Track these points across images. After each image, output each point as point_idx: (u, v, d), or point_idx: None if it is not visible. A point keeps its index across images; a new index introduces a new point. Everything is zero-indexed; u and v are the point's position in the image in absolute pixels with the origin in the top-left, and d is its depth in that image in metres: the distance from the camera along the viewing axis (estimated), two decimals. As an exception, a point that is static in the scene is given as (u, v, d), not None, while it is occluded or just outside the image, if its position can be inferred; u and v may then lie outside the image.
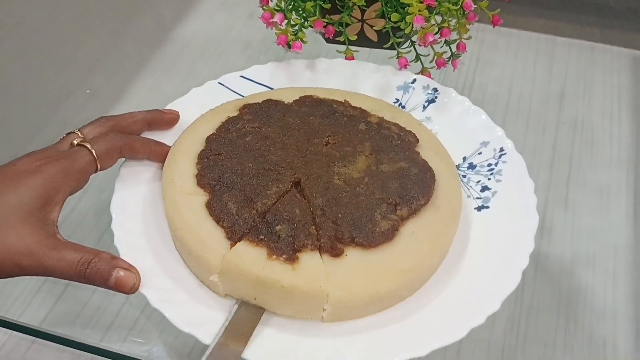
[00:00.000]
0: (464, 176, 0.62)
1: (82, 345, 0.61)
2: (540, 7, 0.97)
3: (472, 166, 0.62)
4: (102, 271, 0.48)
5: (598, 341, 0.64)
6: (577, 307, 0.66)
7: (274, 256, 0.51)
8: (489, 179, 0.61)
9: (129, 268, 0.49)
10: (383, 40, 0.71)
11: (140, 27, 0.99)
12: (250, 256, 0.52)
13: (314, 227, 0.53)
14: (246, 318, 0.51)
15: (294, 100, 0.64)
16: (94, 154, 0.54)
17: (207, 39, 0.97)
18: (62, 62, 0.91)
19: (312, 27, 0.68)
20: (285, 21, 0.68)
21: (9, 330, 0.61)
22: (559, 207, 0.74)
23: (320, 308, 0.51)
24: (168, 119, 0.62)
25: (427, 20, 0.64)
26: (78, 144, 0.54)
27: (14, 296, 0.64)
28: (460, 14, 0.68)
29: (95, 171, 0.55)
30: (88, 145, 0.54)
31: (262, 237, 0.52)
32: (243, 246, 0.52)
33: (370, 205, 0.55)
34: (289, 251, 0.52)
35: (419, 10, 0.64)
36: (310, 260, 0.52)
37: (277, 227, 0.52)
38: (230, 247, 0.53)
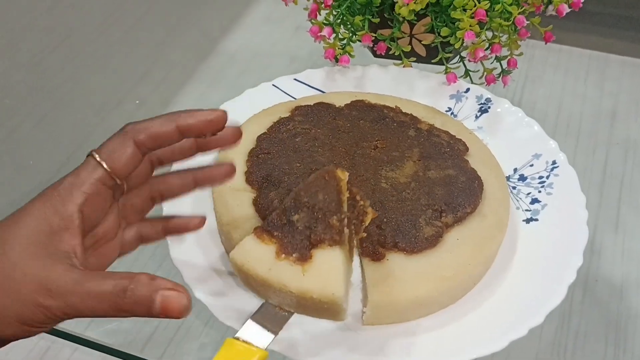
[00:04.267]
0: (514, 188, 0.61)
1: (125, 355, 0.61)
2: (591, 23, 0.95)
3: (522, 178, 0.61)
4: (142, 298, 0.38)
5: (649, 369, 0.61)
6: (626, 333, 0.64)
7: (283, 255, 0.47)
8: (540, 192, 0.60)
9: (174, 287, 0.39)
10: (431, 55, 0.71)
11: (187, 39, 1.01)
12: (257, 254, 0.47)
13: (335, 217, 0.48)
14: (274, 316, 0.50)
15: (345, 104, 0.65)
16: (97, 158, 0.42)
17: (253, 52, 0.98)
18: (112, 72, 0.94)
19: (360, 41, 0.69)
20: (334, 35, 0.68)
21: (53, 337, 0.62)
22: (609, 229, 0.72)
23: (340, 313, 0.47)
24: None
25: (478, 35, 0.64)
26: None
27: None
28: (511, 29, 0.67)
29: (112, 179, 0.42)
30: (93, 153, 0.42)
31: (276, 232, 0.48)
32: (251, 242, 0.48)
33: (415, 210, 0.55)
34: (302, 248, 0.47)
35: (470, 26, 0.64)
36: (325, 259, 0.47)
37: (295, 217, 0.48)
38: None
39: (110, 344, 0.60)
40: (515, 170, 0.62)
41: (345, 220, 0.48)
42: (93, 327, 0.61)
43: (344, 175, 0.50)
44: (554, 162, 0.61)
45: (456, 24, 0.65)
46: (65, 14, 0.89)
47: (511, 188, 0.61)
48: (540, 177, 0.61)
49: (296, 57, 0.96)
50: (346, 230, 0.48)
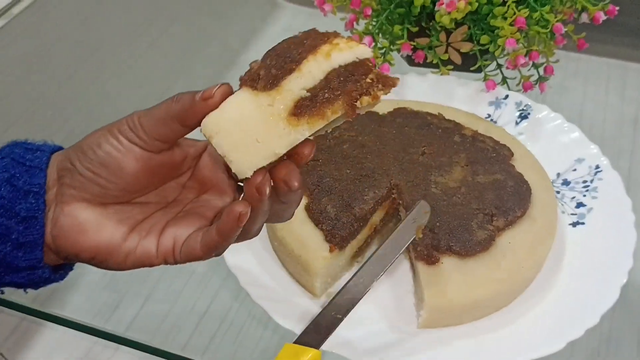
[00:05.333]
0: (558, 192, 0.62)
1: (164, 353, 0.61)
2: (610, 33, 0.96)
3: (566, 182, 0.62)
4: (187, 95, 0.39)
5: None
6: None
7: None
8: (584, 196, 0.61)
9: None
10: (467, 63, 0.72)
11: (209, 51, 1.02)
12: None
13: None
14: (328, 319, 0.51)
15: (388, 112, 0.66)
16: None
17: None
18: (138, 84, 0.94)
19: (398, 50, 0.70)
20: (373, 44, 0.69)
21: (94, 337, 0.62)
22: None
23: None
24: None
25: (518, 42, 0.65)
26: None
27: (100, 302, 0.66)
28: (547, 37, 0.68)
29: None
30: None
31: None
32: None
33: (467, 214, 0.55)
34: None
35: (512, 33, 0.65)
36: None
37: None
38: (330, 250, 0.54)
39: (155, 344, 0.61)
40: (558, 174, 0.63)
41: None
42: (135, 328, 0.62)
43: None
44: (597, 167, 0.62)
45: (495, 32, 0.66)
46: (95, 28, 0.90)
47: (555, 192, 0.61)
48: (585, 182, 0.62)
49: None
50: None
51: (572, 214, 0.60)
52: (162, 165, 0.41)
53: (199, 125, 0.39)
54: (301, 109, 0.36)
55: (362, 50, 0.36)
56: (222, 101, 0.37)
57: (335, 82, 0.36)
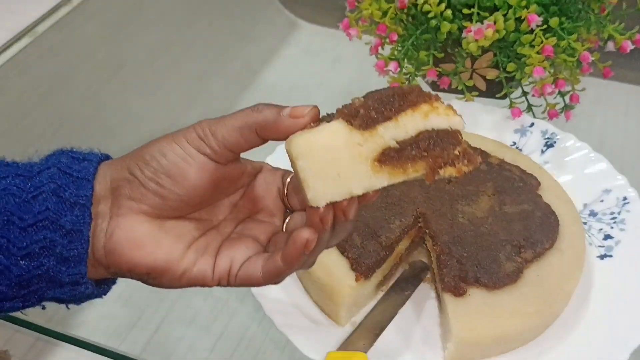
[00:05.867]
0: (585, 223, 0.61)
1: None
2: (635, 60, 0.95)
3: (593, 213, 0.62)
4: (271, 108, 0.39)
5: None
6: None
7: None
8: (612, 228, 0.60)
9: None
10: (491, 89, 0.72)
11: (229, 70, 1.02)
12: None
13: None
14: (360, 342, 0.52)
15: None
16: None
17: (292, 83, 0.99)
18: (158, 102, 0.95)
19: (423, 75, 0.69)
20: (399, 69, 0.69)
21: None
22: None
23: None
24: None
25: (545, 71, 0.65)
26: None
27: (116, 323, 0.66)
28: (574, 65, 0.68)
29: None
30: None
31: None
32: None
33: (494, 245, 0.55)
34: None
35: (539, 62, 0.64)
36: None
37: None
38: (356, 279, 0.53)
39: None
40: (585, 205, 0.62)
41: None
42: (150, 350, 0.62)
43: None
44: (624, 198, 0.61)
45: (522, 59, 0.66)
46: (118, 48, 0.91)
47: (583, 223, 0.61)
48: (612, 213, 0.61)
49: (334, 88, 0.97)
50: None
51: (599, 246, 0.59)
52: (224, 179, 0.41)
53: (276, 139, 0.38)
54: (387, 158, 0.36)
55: (457, 121, 0.37)
56: (310, 123, 0.38)
57: (425, 143, 0.37)
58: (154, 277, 0.40)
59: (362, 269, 0.54)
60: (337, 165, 0.36)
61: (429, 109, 0.37)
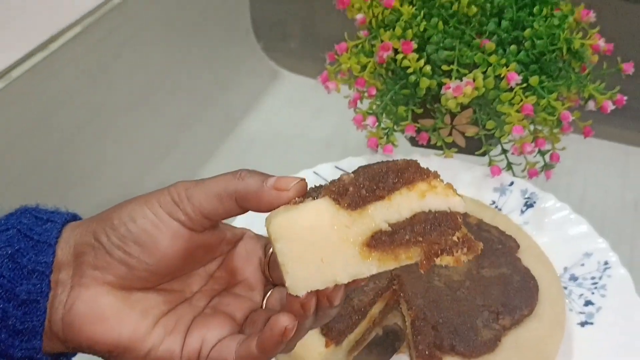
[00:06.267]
0: (565, 287, 0.59)
1: None
2: (615, 118, 0.95)
3: (574, 278, 0.60)
4: (255, 177, 0.37)
5: None
6: None
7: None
8: (593, 293, 0.58)
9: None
10: (470, 146, 0.71)
11: (209, 118, 1.01)
12: None
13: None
14: None
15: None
16: None
17: (273, 133, 0.99)
18: (136, 149, 0.93)
19: (402, 131, 0.68)
20: (377, 124, 0.68)
21: None
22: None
23: None
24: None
25: (524, 129, 0.64)
26: None
27: None
28: (554, 124, 0.67)
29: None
30: None
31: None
32: None
33: (471, 311, 0.53)
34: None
35: (518, 120, 0.63)
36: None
37: None
38: (326, 344, 0.51)
39: None
40: (565, 269, 0.61)
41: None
42: None
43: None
44: (605, 262, 0.60)
45: (502, 117, 0.65)
46: (96, 93, 0.89)
47: (563, 287, 0.59)
48: (593, 278, 0.59)
49: (315, 139, 0.96)
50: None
51: (580, 313, 0.57)
52: (199, 247, 0.37)
53: (257, 211, 0.35)
54: (377, 242, 0.33)
55: (456, 203, 0.34)
56: (295, 197, 0.34)
57: (420, 227, 0.33)
58: (117, 355, 0.36)
59: (332, 334, 0.51)
60: (320, 249, 0.32)
61: (426, 188, 0.34)
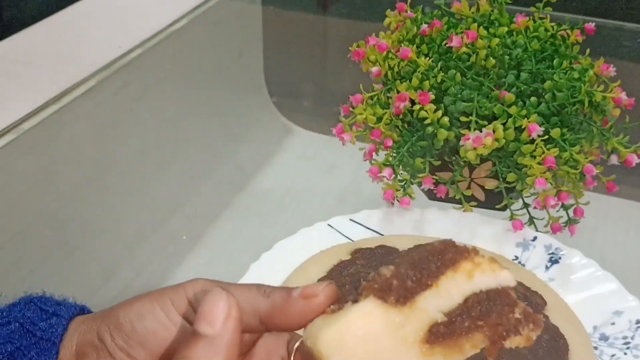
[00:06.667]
0: (596, 347, 0.56)
1: None
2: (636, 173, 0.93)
3: (604, 337, 0.56)
4: (281, 292, 0.33)
5: None
6: None
7: None
8: (625, 354, 0.55)
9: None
10: (490, 200, 0.69)
11: (221, 173, 1.00)
12: None
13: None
14: None
15: (408, 249, 0.61)
16: None
17: (286, 189, 0.97)
18: (145, 204, 0.92)
19: (419, 183, 0.66)
20: (393, 176, 0.66)
21: None
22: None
23: None
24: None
25: (547, 182, 0.62)
26: None
27: None
28: (577, 178, 0.65)
29: None
30: None
31: None
32: None
33: (497, 372, 0.49)
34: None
35: (541, 173, 0.61)
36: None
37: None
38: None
39: None
40: (595, 328, 0.57)
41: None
42: None
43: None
44: (637, 321, 0.56)
45: (523, 170, 0.63)
46: (106, 147, 0.88)
47: (593, 348, 0.56)
48: (625, 337, 0.56)
49: (328, 194, 0.94)
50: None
51: (613, 375, 0.54)
52: None
53: (285, 329, 0.32)
54: (436, 336, 0.30)
55: (505, 277, 0.32)
56: (328, 304, 0.31)
57: (477, 310, 0.31)
58: None
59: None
60: (381, 356, 0.29)
61: (471, 267, 0.31)
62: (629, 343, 0.55)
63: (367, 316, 0.30)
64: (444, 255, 0.31)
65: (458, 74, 0.64)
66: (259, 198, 0.97)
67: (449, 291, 0.30)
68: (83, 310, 0.36)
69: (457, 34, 0.67)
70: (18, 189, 0.81)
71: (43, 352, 0.33)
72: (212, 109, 1.06)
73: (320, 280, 0.57)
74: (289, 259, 0.61)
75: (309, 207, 0.93)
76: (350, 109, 0.70)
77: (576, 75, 0.65)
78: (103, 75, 0.89)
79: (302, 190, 0.97)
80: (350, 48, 0.70)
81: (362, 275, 0.57)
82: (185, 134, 1.01)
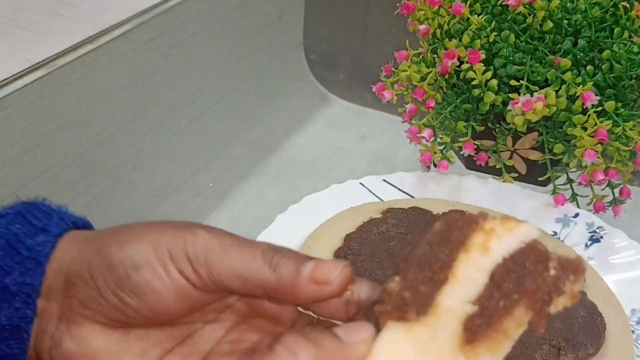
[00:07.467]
0: (633, 331, 0.53)
1: None
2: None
3: (643, 321, 0.53)
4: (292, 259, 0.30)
5: None
6: None
7: None
8: (665, 340, 0.51)
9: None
10: (531, 173, 0.65)
11: (251, 135, 0.99)
12: None
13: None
14: None
15: (442, 213, 0.58)
16: None
17: (315, 155, 0.95)
18: (172, 158, 0.90)
19: (459, 148, 0.63)
20: (433, 138, 0.63)
21: None
22: None
23: None
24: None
25: (599, 156, 0.58)
26: None
27: None
28: (626, 156, 0.61)
29: None
30: None
31: None
32: None
33: (530, 343, 0.47)
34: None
35: (592, 145, 0.58)
36: None
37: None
38: None
39: None
40: (633, 311, 0.54)
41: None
42: None
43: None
44: (680, 308, 0.53)
45: (572, 141, 0.59)
46: (140, 93, 0.87)
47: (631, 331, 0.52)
48: (665, 323, 0.52)
49: (358, 164, 0.92)
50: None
51: (650, 360, 0.50)
52: (210, 303, 0.32)
53: (294, 304, 0.30)
54: (473, 332, 0.26)
55: (526, 231, 0.27)
56: (343, 290, 0.29)
57: (508, 283, 0.26)
58: None
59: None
60: None
61: (484, 238, 0.27)
62: (669, 329, 0.52)
63: (392, 347, 0.26)
64: (449, 238, 0.27)
65: (512, 35, 0.61)
66: (288, 162, 0.95)
67: (470, 275, 0.27)
68: (77, 224, 0.33)
69: (515, -9, 0.63)
70: (46, 126, 0.79)
71: (28, 272, 0.31)
72: (247, 70, 1.04)
73: (348, 235, 0.55)
74: (317, 213, 0.59)
75: (337, 174, 0.90)
76: (393, 69, 0.67)
77: (636, 49, 0.61)
78: (141, 19, 0.87)
79: (332, 157, 0.95)
80: (398, 4, 0.67)
81: (393, 235, 0.55)
82: (218, 91, 0.99)
